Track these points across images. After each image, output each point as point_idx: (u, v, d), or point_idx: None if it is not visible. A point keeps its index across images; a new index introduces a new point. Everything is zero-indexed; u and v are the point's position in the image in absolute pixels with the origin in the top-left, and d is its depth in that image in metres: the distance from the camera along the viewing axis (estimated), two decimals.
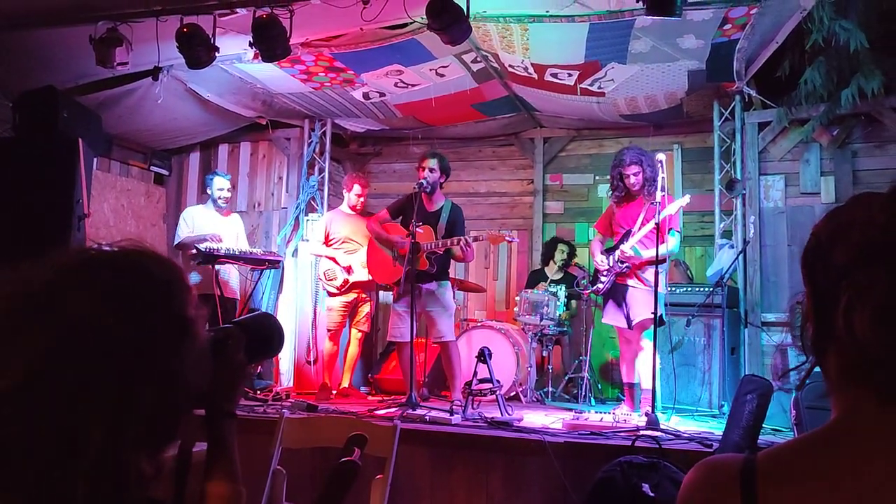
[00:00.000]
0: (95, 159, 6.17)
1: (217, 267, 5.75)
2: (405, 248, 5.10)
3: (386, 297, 7.57)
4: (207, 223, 6.02)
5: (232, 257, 5.74)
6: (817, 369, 0.89)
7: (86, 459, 0.86)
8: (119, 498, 0.90)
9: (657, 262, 4.61)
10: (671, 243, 4.88)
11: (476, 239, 5.15)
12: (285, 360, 6.81)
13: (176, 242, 6.02)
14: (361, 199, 6.21)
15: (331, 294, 6.05)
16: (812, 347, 0.86)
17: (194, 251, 5.62)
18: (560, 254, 6.85)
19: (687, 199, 4.91)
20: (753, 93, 6.08)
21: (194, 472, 1.24)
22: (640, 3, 4.13)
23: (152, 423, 0.92)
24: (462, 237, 5.10)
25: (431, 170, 5.28)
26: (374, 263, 5.64)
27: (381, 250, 5.51)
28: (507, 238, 5.13)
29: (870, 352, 0.77)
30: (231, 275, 6.16)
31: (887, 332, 0.76)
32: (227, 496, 1.21)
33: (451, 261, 5.50)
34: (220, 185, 6.15)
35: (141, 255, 1.01)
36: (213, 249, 5.60)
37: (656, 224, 4.58)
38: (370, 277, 5.92)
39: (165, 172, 7.75)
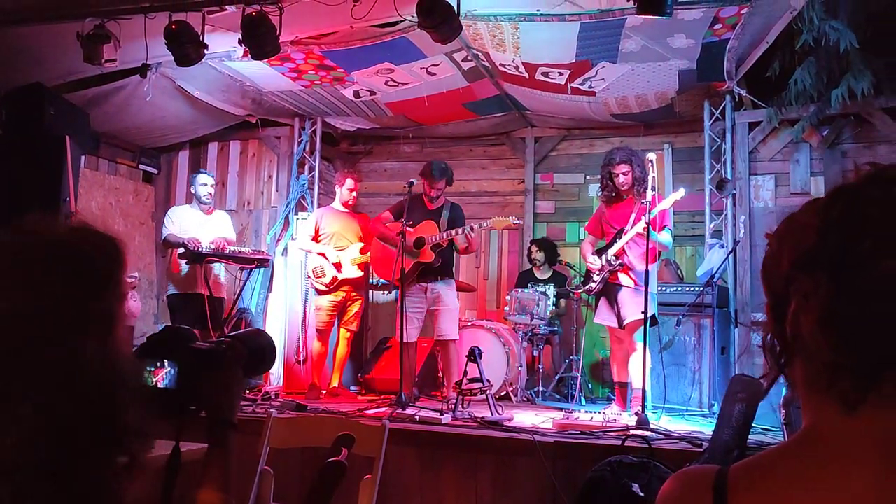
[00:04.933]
0: (83, 157, 6.13)
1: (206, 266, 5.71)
2: (410, 241, 5.35)
3: (376, 296, 7.56)
4: (192, 224, 5.93)
5: (220, 256, 5.70)
6: None
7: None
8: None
9: (649, 260, 4.62)
10: (664, 238, 4.89)
11: (481, 226, 5.39)
12: None
13: (163, 238, 5.97)
14: (354, 194, 6.17)
15: (319, 292, 5.99)
16: (773, 357, 0.86)
17: (182, 250, 5.58)
18: (538, 252, 6.82)
19: (682, 192, 4.89)
20: (744, 92, 6.09)
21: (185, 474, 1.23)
22: (631, 2, 4.12)
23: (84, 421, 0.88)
24: (464, 227, 5.33)
25: (440, 189, 5.54)
26: (378, 262, 5.73)
27: (386, 248, 5.60)
28: (512, 222, 5.35)
29: (824, 359, 0.77)
30: (220, 273, 6.11)
31: (834, 337, 0.76)
32: None
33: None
34: (202, 181, 6.05)
35: (79, 239, 0.96)
36: (202, 248, 5.56)
37: (647, 223, 4.58)
38: (360, 274, 5.97)
39: (154, 170, 7.70)
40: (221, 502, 1.19)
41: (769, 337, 0.86)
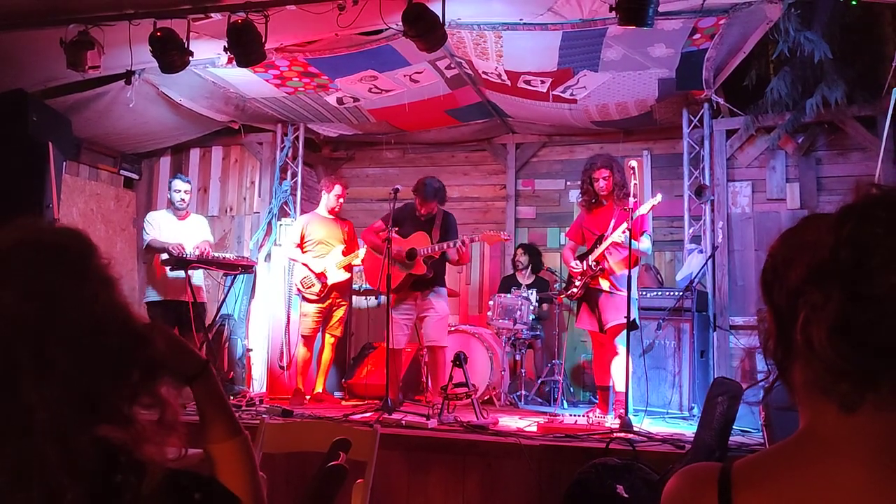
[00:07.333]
0: (64, 163, 6.10)
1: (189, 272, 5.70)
2: (402, 252, 5.40)
3: (359, 301, 7.58)
4: (170, 229, 5.93)
5: (205, 262, 5.69)
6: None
7: (39, 435, 0.88)
8: (111, 458, 0.92)
9: (630, 265, 4.69)
10: (644, 244, 4.96)
11: (472, 240, 5.39)
12: (258, 365, 6.77)
13: (145, 244, 5.94)
14: (341, 201, 6.17)
15: (310, 301, 6.01)
16: (775, 362, 0.92)
17: (166, 256, 5.57)
18: (522, 256, 6.91)
19: (658, 197, 4.97)
20: (721, 101, 6.21)
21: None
22: (613, 12, 4.21)
23: (94, 381, 0.93)
24: (457, 239, 5.35)
25: (431, 209, 5.57)
26: (371, 271, 5.74)
27: (379, 258, 5.58)
28: (502, 236, 5.41)
29: (830, 364, 0.82)
30: (201, 286, 6.09)
31: (844, 345, 0.81)
32: (232, 451, 1.19)
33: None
34: (176, 186, 6.04)
35: (25, 230, 1.01)
36: (186, 254, 5.55)
37: (627, 229, 4.66)
38: (347, 276, 6.00)
39: (135, 176, 7.67)
40: (233, 447, 1.17)
41: (770, 343, 0.92)
